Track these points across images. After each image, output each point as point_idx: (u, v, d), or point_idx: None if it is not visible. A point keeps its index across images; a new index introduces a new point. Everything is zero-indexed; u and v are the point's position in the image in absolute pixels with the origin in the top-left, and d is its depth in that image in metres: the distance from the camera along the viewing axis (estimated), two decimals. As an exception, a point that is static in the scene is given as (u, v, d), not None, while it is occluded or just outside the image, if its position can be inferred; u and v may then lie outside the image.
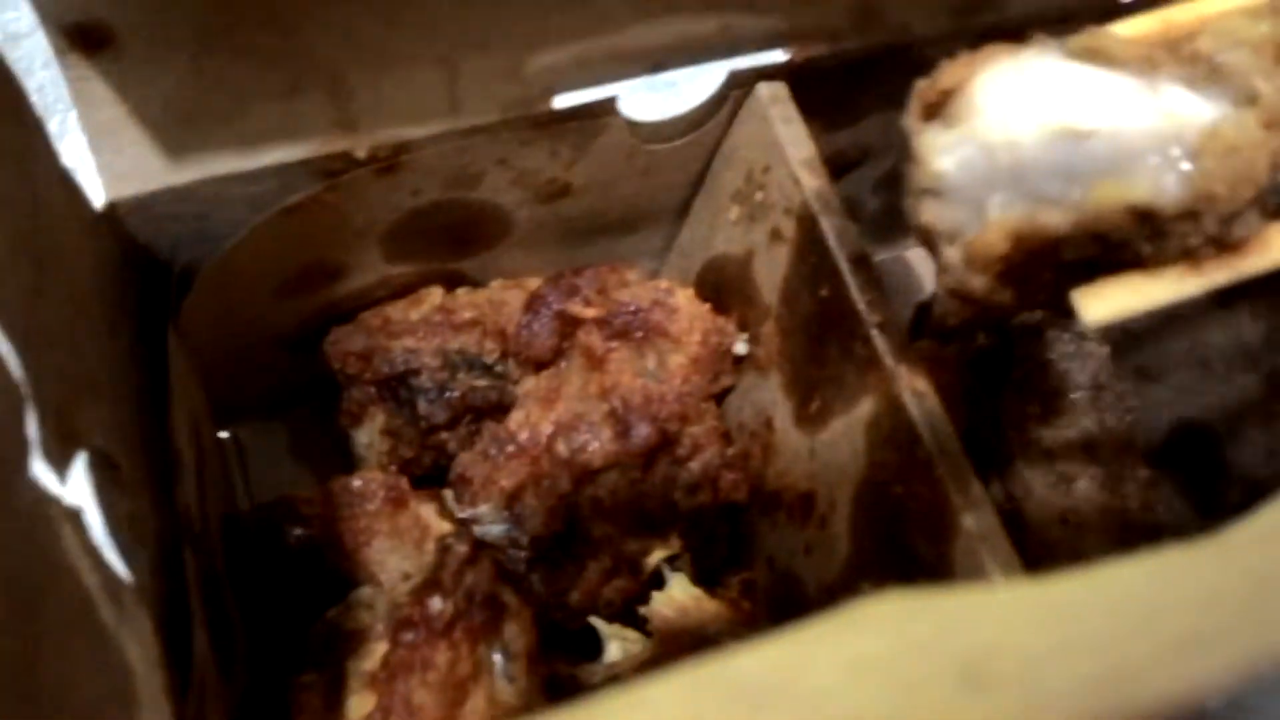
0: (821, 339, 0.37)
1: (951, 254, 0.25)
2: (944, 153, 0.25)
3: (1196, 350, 0.44)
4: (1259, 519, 0.13)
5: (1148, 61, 0.23)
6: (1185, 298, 0.24)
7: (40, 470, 0.23)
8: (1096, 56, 0.24)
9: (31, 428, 0.22)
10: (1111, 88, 0.24)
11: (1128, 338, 0.46)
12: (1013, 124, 0.24)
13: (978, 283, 0.25)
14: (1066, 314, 0.26)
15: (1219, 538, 0.13)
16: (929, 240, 0.26)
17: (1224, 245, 0.23)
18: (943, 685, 0.11)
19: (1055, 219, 0.23)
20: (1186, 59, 0.23)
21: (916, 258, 0.55)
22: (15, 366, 0.22)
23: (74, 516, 0.24)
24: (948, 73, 0.25)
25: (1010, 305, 0.26)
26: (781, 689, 0.11)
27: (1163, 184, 0.22)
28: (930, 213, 0.25)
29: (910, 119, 0.26)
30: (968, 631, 0.11)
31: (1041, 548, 0.42)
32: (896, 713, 0.11)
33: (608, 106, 0.37)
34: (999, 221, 0.24)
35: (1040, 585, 0.12)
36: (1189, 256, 0.23)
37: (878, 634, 0.12)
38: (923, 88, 0.26)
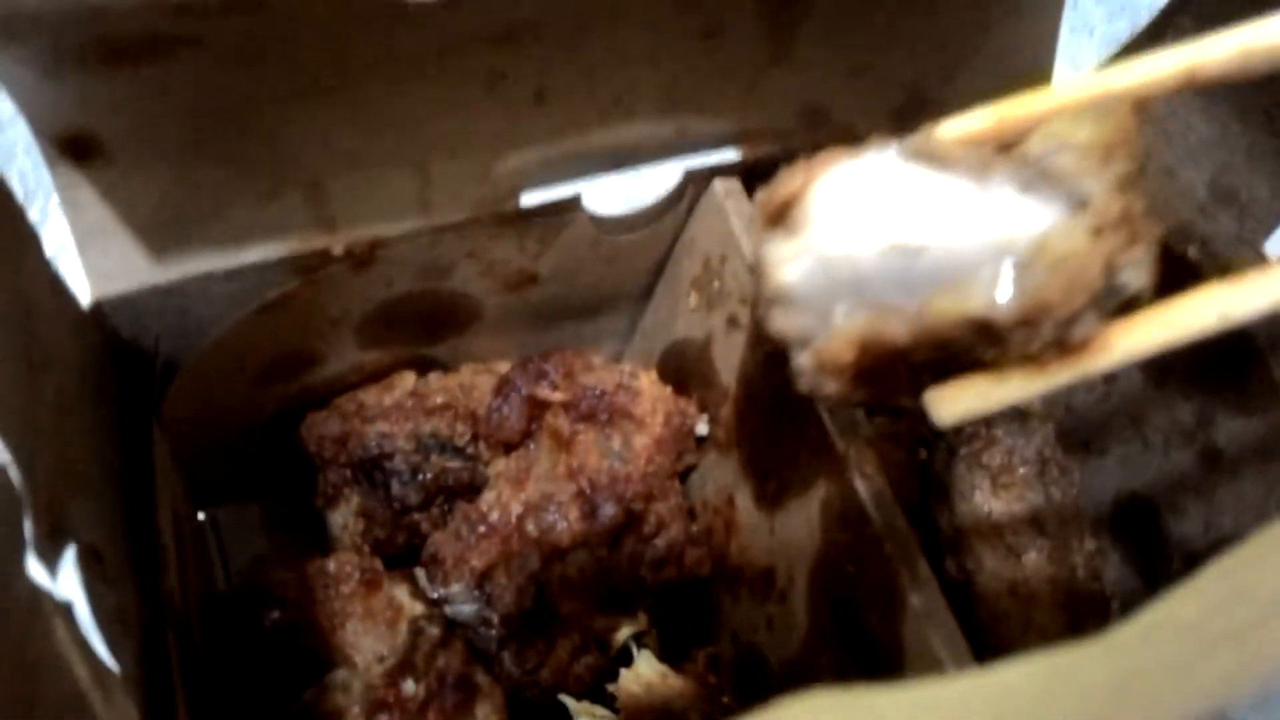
0: (777, 422, 0.38)
1: (804, 359, 0.26)
2: (787, 264, 0.25)
3: (1136, 426, 0.46)
4: (1140, 619, 0.15)
5: (981, 164, 0.24)
6: (1032, 397, 0.26)
7: (33, 566, 0.24)
8: (932, 159, 0.24)
9: (27, 524, 0.24)
10: (945, 194, 0.24)
11: (1070, 414, 0.49)
12: (849, 236, 0.24)
13: (831, 386, 0.25)
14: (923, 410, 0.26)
15: (1104, 636, 0.14)
16: (781, 345, 0.27)
17: (1064, 347, 0.23)
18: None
19: (896, 329, 0.24)
20: (1017, 161, 0.24)
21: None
22: (13, 471, 0.23)
23: (65, 610, 0.25)
24: (786, 182, 0.26)
25: (869, 401, 0.27)
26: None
27: (996, 295, 0.23)
28: (779, 321, 0.26)
29: (754, 229, 0.27)
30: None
31: (993, 618, 0.44)
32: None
33: (572, 204, 0.40)
34: (844, 330, 0.24)
35: (946, 684, 0.14)
36: (1031, 359, 0.23)
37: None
38: (763, 198, 0.26)
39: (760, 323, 0.27)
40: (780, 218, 0.26)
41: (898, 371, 0.25)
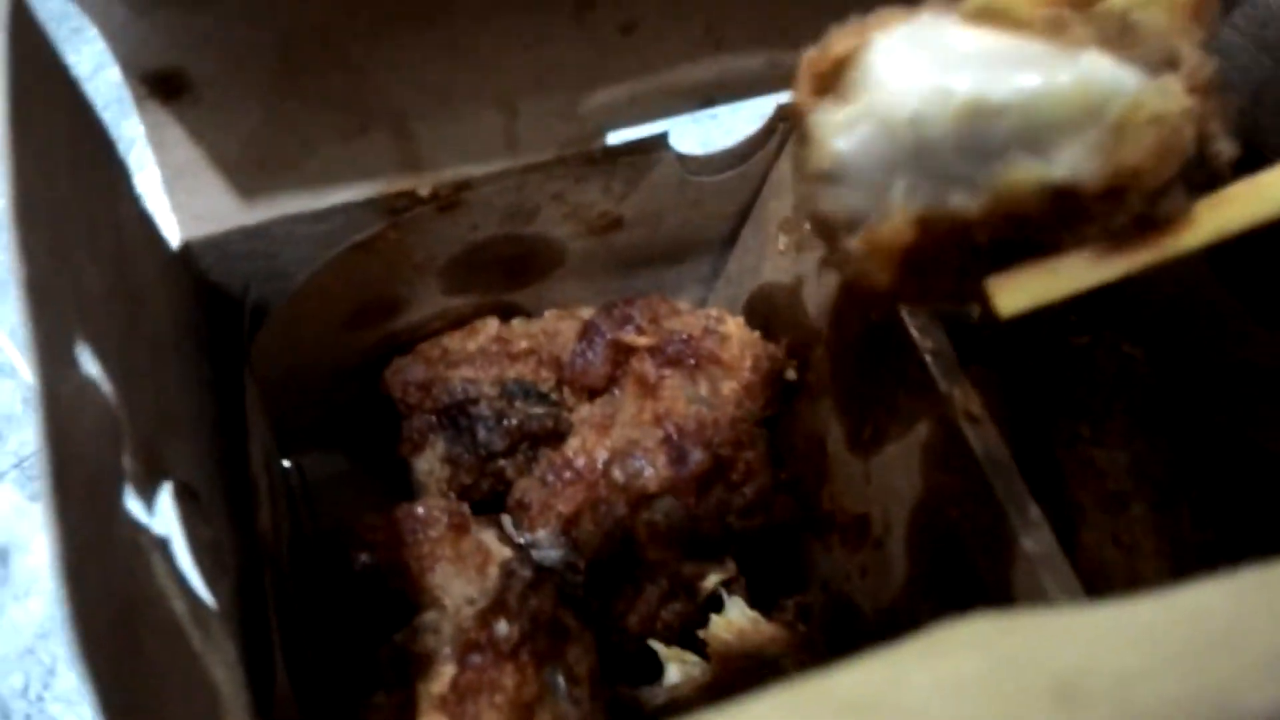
0: (873, 364, 0.37)
1: (853, 245, 0.23)
2: (840, 133, 0.22)
3: (1245, 370, 0.44)
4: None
5: (1055, 23, 0.21)
6: (1106, 281, 0.22)
7: (131, 501, 0.24)
8: (1000, 19, 0.21)
9: (127, 459, 0.23)
10: (1020, 54, 0.21)
11: (1175, 357, 0.47)
12: (916, 98, 0.21)
13: (882, 277, 0.22)
14: (973, 304, 0.23)
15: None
16: (825, 231, 0.23)
17: (1149, 224, 0.21)
18: (1035, 702, 0.11)
19: (966, 203, 0.21)
20: (1097, 18, 0.21)
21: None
22: (113, 401, 0.23)
23: (162, 545, 0.25)
24: (839, 40, 0.22)
25: (913, 297, 0.24)
26: (877, 706, 0.12)
27: (1083, 160, 0.20)
28: (828, 200, 0.22)
29: (800, 94, 0.22)
30: (1059, 651, 0.12)
31: (1094, 570, 0.42)
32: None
33: (659, 142, 0.38)
34: (904, 207, 0.21)
35: (1128, 606, 0.13)
36: (1112, 238, 0.21)
37: (970, 653, 0.12)
38: (812, 57, 0.22)
39: (804, 202, 0.24)
40: (832, 81, 0.22)
41: (955, 259, 0.22)
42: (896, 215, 0.22)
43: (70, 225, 0.22)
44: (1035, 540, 0.30)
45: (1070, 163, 0.20)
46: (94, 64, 0.59)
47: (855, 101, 0.22)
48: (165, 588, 0.25)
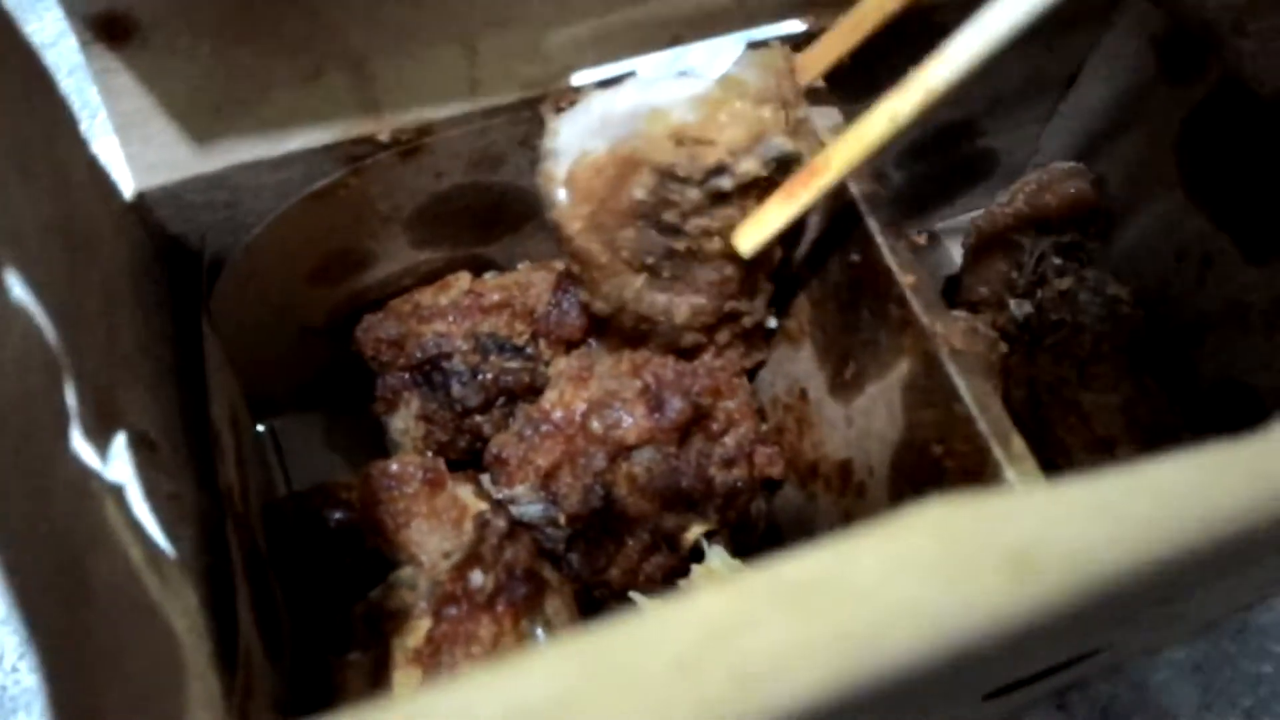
0: (853, 305, 0.36)
1: (560, 193, 0.34)
2: (561, 123, 0.34)
3: (1235, 309, 0.43)
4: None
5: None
6: (798, 213, 0.33)
7: (80, 445, 0.23)
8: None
9: (70, 399, 0.23)
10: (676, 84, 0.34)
11: (1164, 300, 0.46)
12: (607, 101, 0.34)
13: (576, 224, 0.35)
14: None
15: (1261, 436, 0.12)
16: (548, 195, 0.35)
17: (788, 174, 0.33)
18: (988, 575, 0.11)
19: (632, 145, 0.33)
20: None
21: (944, 230, 0.55)
22: (53, 339, 0.22)
23: (116, 492, 0.24)
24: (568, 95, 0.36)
25: (603, 257, 0.35)
26: (828, 586, 0.11)
27: (685, 116, 0.33)
28: (547, 168, 0.35)
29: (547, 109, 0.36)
30: (1014, 526, 0.11)
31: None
32: (942, 601, 0.10)
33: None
34: (593, 155, 0.34)
35: (1088, 483, 0.12)
36: (781, 190, 0.34)
37: (922, 534, 0.12)
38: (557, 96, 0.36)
39: (539, 179, 0.35)
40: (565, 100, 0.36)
41: (633, 213, 0.34)
42: (589, 158, 0.34)
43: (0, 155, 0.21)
44: (1021, 473, 0.29)
45: (678, 116, 0.34)
46: (56, 31, 0.58)
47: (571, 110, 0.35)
48: (119, 534, 0.24)
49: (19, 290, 0.19)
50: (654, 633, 0.11)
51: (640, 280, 0.37)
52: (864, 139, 0.32)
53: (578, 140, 0.34)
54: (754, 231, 0.34)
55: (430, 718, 0.11)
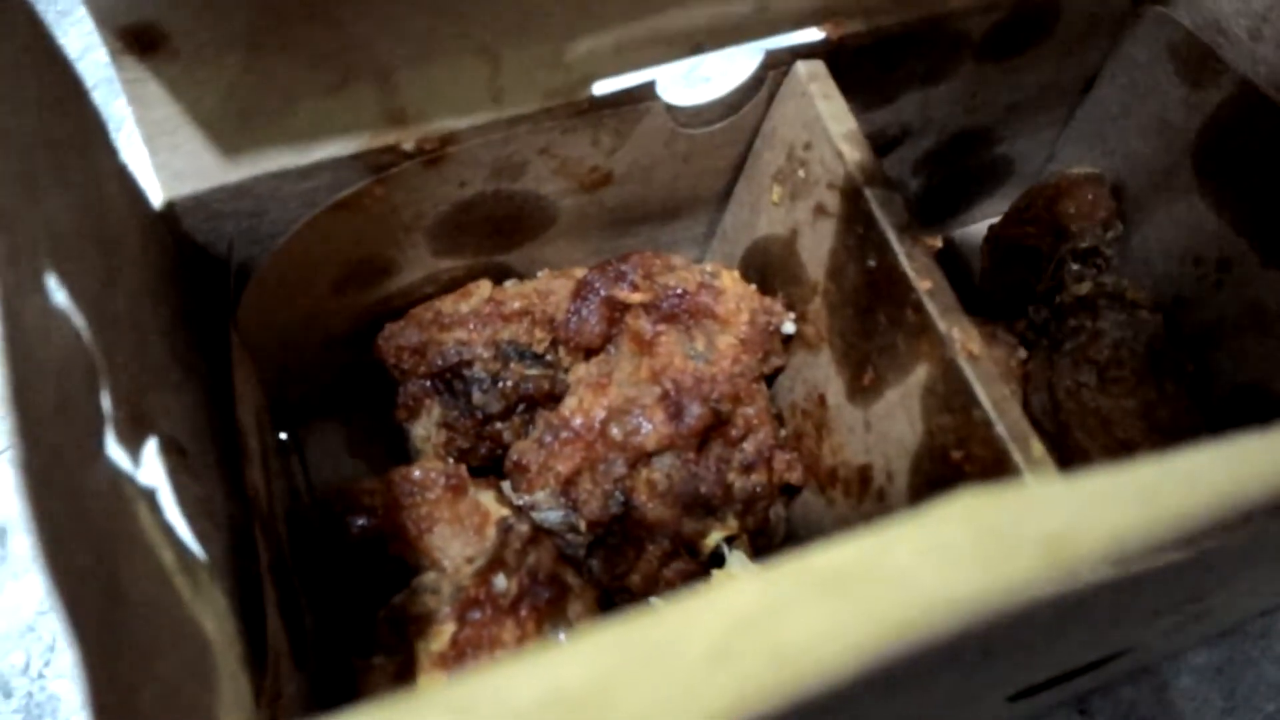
0: (871, 310, 0.37)
1: None
2: None
3: (1254, 313, 0.43)
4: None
5: None
6: None
7: (114, 449, 0.24)
8: None
9: (106, 403, 0.23)
10: None
11: (1182, 304, 0.46)
12: None
13: None
14: None
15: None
16: None
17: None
18: (1023, 560, 0.11)
19: None
20: None
21: (961, 237, 0.55)
22: (90, 344, 0.22)
23: (149, 496, 0.25)
24: None
25: None
26: (860, 575, 0.11)
27: None
28: None
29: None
30: (1046, 512, 0.11)
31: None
32: (976, 587, 0.11)
33: (647, 91, 0.38)
34: None
35: (1121, 473, 0.12)
36: None
37: (956, 524, 0.12)
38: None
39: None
40: None
41: None
42: None
43: (39, 158, 0.22)
44: (1040, 478, 0.29)
45: None
46: (82, 45, 0.59)
47: None
48: (152, 537, 0.25)
49: (59, 295, 0.20)
50: (691, 618, 0.11)
51: None
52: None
53: None
54: None
55: (468, 705, 0.11)
